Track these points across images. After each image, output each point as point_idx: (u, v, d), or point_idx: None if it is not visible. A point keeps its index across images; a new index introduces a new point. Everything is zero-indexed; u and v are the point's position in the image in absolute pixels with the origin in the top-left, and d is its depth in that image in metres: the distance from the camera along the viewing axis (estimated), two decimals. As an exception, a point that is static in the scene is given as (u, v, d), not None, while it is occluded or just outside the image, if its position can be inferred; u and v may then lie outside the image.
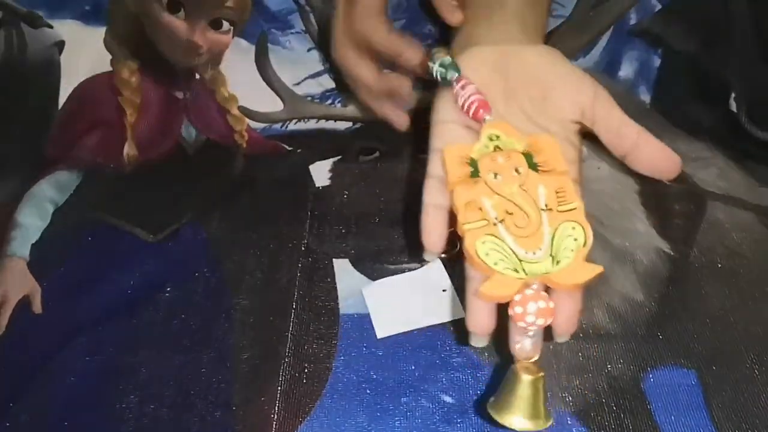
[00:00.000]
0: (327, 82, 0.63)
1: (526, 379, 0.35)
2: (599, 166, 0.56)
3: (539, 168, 0.37)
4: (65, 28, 0.64)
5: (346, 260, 0.52)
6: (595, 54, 0.64)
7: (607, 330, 0.47)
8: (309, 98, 0.63)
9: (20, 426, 0.44)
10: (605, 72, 0.64)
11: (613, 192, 0.55)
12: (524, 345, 0.35)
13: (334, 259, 0.52)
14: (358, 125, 0.63)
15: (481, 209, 0.36)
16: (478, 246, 0.35)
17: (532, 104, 0.40)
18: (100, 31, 0.63)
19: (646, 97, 0.64)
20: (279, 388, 0.44)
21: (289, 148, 0.61)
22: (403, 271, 0.51)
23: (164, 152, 0.60)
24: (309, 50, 0.63)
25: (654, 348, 0.46)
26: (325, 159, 0.59)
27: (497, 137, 0.38)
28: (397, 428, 0.42)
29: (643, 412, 0.43)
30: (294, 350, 0.46)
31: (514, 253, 0.35)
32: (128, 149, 0.59)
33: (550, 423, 0.35)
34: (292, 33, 0.63)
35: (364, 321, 0.48)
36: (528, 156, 0.37)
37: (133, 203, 0.56)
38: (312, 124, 0.63)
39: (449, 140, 0.40)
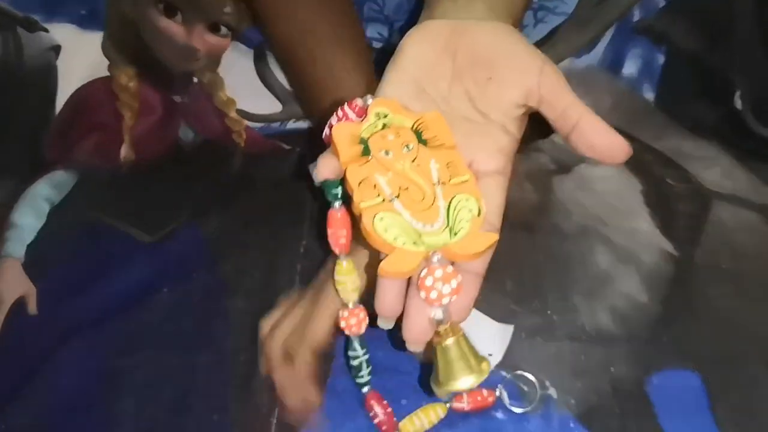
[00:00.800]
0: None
1: (450, 342, 0.36)
2: (603, 166, 0.55)
3: (429, 144, 0.38)
4: (61, 33, 0.63)
5: (346, 261, 0.52)
6: (599, 51, 0.64)
7: (610, 332, 0.47)
8: (308, 98, 0.63)
9: (16, 428, 0.44)
10: (609, 69, 0.64)
11: (616, 192, 0.54)
12: (437, 314, 0.36)
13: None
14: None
15: (375, 186, 0.36)
16: (376, 223, 0.35)
17: (477, 87, 0.39)
18: (97, 36, 0.63)
19: (650, 95, 0.63)
20: (278, 390, 0.44)
21: (288, 148, 0.61)
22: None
23: (162, 154, 0.60)
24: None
25: (658, 350, 0.46)
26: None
27: (385, 115, 0.38)
28: None
29: (647, 414, 0.43)
30: (293, 352, 0.46)
31: (412, 227, 0.35)
32: (125, 152, 0.59)
33: (489, 369, 0.37)
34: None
35: (363, 322, 0.47)
36: (417, 132, 0.38)
37: (129, 203, 0.56)
38: (311, 123, 0.62)
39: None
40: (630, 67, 0.64)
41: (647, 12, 0.64)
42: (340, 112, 0.40)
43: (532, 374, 0.44)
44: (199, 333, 0.47)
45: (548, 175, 0.56)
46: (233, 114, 0.62)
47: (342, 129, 0.38)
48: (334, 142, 0.38)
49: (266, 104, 0.62)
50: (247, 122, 0.62)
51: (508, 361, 0.45)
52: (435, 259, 0.35)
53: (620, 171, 0.54)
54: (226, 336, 0.47)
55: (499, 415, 0.43)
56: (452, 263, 0.36)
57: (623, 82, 0.64)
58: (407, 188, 0.37)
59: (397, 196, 0.36)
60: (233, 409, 0.44)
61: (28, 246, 0.53)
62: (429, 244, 0.35)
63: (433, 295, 0.35)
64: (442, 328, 0.36)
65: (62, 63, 0.63)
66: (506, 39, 0.40)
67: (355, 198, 0.36)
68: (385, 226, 0.35)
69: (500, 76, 0.39)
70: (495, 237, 0.36)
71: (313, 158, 0.38)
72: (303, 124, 0.62)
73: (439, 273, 0.35)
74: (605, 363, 0.45)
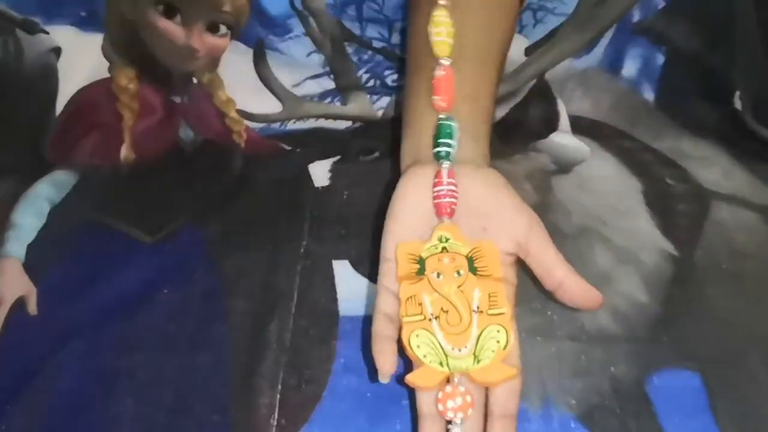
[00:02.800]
0: (327, 83, 0.63)
1: None
2: (603, 166, 0.55)
3: (478, 272, 0.40)
4: (61, 35, 0.63)
5: (346, 261, 0.52)
6: (598, 52, 0.64)
7: (610, 332, 0.47)
8: (308, 98, 0.63)
9: (16, 428, 0.44)
10: (608, 70, 0.64)
11: (617, 192, 0.55)
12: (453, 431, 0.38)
13: (333, 261, 0.52)
14: (357, 125, 0.62)
15: (420, 304, 0.40)
16: (412, 338, 0.39)
17: (473, 235, 0.42)
18: (96, 38, 0.63)
19: (649, 95, 0.63)
20: (278, 391, 0.44)
21: (288, 148, 0.61)
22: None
23: (162, 154, 0.60)
24: (308, 54, 0.63)
25: (658, 350, 0.46)
26: (324, 159, 0.59)
27: (447, 239, 0.41)
28: (397, 431, 0.42)
29: (647, 414, 0.43)
30: (293, 353, 0.46)
31: (441, 348, 0.39)
32: (125, 152, 0.59)
33: None
34: (290, 38, 0.63)
35: (364, 323, 0.47)
36: (470, 260, 0.41)
37: (130, 204, 0.56)
38: (311, 123, 0.62)
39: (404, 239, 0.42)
40: (630, 68, 0.64)
41: (647, 12, 0.64)
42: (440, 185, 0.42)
43: (532, 374, 0.44)
44: (200, 333, 0.47)
45: (548, 176, 0.56)
46: (233, 114, 0.62)
47: (405, 246, 0.41)
48: (396, 257, 0.41)
49: (266, 104, 0.62)
50: (247, 122, 0.62)
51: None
52: (456, 380, 0.38)
53: (620, 171, 0.54)
54: (226, 337, 0.47)
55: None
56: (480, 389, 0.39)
57: (623, 82, 0.64)
58: (447, 311, 0.39)
59: (437, 317, 0.39)
60: (233, 409, 0.44)
61: (29, 246, 0.53)
62: (453, 366, 0.38)
63: (450, 415, 0.37)
64: None
65: (62, 65, 0.63)
66: (498, 192, 0.43)
67: (401, 311, 0.40)
68: (419, 343, 0.39)
69: (494, 227, 0.42)
70: (513, 372, 0.39)
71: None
72: (303, 125, 0.62)
73: (458, 401, 0.38)
74: (605, 363, 0.45)
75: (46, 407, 0.44)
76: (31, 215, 0.54)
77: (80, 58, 0.63)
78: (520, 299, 0.48)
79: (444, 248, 0.41)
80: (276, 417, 0.43)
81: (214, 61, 0.62)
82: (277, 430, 0.42)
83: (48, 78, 0.62)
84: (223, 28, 0.61)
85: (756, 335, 0.46)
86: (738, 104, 0.61)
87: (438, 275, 0.40)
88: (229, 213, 0.55)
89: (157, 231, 0.54)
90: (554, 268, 0.41)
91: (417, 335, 0.39)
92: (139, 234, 0.54)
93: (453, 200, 0.41)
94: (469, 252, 0.41)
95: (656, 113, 0.63)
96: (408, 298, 0.40)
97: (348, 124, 0.62)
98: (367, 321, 0.47)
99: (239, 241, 0.53)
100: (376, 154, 0.59)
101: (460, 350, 0.39)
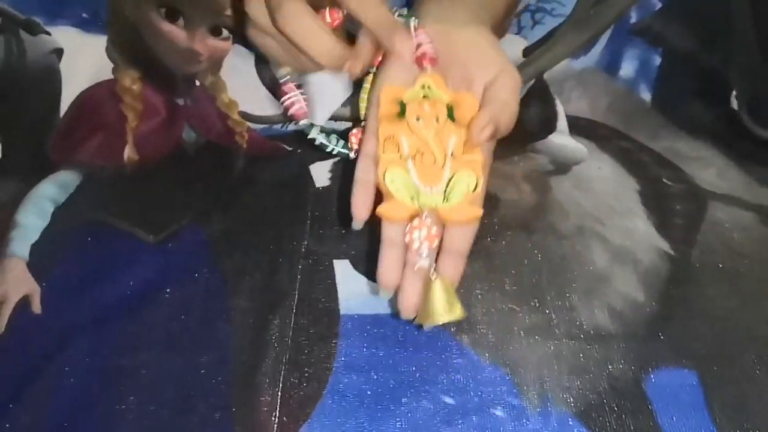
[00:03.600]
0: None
1: (436, 282, 0.40)
2: (600, 166, 0.55)
3: (456, 121, 0.43)
4: (63, 36, 0.63)
5: (347, 261, 0.52)
6: (596, 53, 0.64)
7: (608, 330, 0.47)
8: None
9: (20, 427, 0.44)
10: (606, 70, 0.64)
11: (613, 191, 0.55)
12: (422, 264, 0.41)
13: (334, 260, 0.52)
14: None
15: (398, 144, 0.42)
16: (387, 173, 0.41)
17: (454, 88, 0.44)
18: (99, 39, 0.63)
19: (646, 95, 0.64)
20: (279, 389, 0.44)
21: (290, 149, 0.61)
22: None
23: (165, 155, 0.60)
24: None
25: (655, 348, 0.46)
26: (325, 159, 0.59)
27: (429, 87, 0.44)
28: (397, 429, 0.42)
29: (644, 412, 0.43)
30: (294, 351, 0.46)
31: (414, 185, 0.41)
32: (129, 153, 0.59)
33: (464, 315, 0.41)
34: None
35: (364, 322, 0.48)
36: (450, 108, 0.43)
37: (133, 204, 0.56)
38: (312, 124, 0.62)
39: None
40: (627, 68, 0.65)
41: (644, 13, 0.65)
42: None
43: (531, 373, 0.45)
44: (202, 333, 0.48)
45: (546, 176, 0.57)
46: (236, 116, 0.62)
47: (390, 90, 0.44)
48: (378, 99, 0.44)
49: (268, 106, 0.62)
50: (249, 124, 0.62)
51: (507, 361, 0.45)
52: (424, 215, 0.41)
53: (617, 171, 0.55)
54: (228, 336, 0.47)
55: (499, 412, 0.43)
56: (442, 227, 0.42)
57: (620, 82, 0.64)
58: (423, 153, 0.42)
59: (413, 157, 0.42)
60: (235, 407, 0.44)
61: (33, 246, 0.53)
62: (422, 203, 0.41)
63: (415, 245, 0.40)
64: (430, 274, 0.41)
65: (65, 66, 0.63)
66: (484, 48, 0.45)
67: (379, 149, 0.43)
68: (392, 178, 0.41)
69: (476, 84, 0.44)
70: (478, 213, 0.42)
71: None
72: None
73: (423, 232, 0.40)
74: (603, 361, 0.45)
75: (49, 406, 0.45)
76: (35, 215, 0.55)
77: (83, 60, 0.63)
78: (520, 299, 0.48)
79: (425, 95, 0.43)
80: (277, 415, 0.43)
81: (216, 64, 0.62)
82: (278, 428, 0.43)
83: (51, 79, 0.62)
84: (225, 32, 0.61)
85: (752, 334, 0.46)
86: (734, 104, 0.61)
87: (418, 119, 0.43)
88: (232, 213, 0.55)
89: (160, 231, 0.54)
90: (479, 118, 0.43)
91: (391, 171, 0.41)
92: (142, 234, 0.54)
93: (431, 50, 0.44)
94: (450, 101, 0.43)
95: (653, 113, 0.63)
96: (387, 138, 0.43)
97: (348, 125, 0.62)
98: (368, 319, 0.48)
99: (241, 240, 0.53)
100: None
101: (431, 189, 0.41)
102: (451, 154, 0.42)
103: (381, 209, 0.41)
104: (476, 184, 0.41)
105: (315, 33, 0.42)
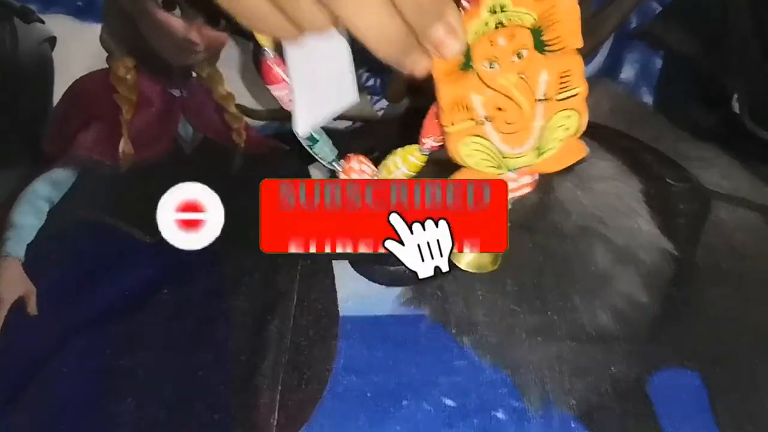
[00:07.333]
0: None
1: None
2: (603, 165, 0.55)
3: (546, 48, 0.31)
4: (57, 24, 0.63)
5: (346, 262, 0.52)
6: (598, 57, 0.64)
7: (610, 332, 0.47)
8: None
9: (17, 427, 0.44)
10: (607, 74, 0.64)
11: (617, 191, 0.55)
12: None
13: (333, 261, 0.52)
14: (357, 125, 0.62)
15: (467, 108, 0.31)
16: (461, 148, 0.32)
17: None
18: (93, 27, 0.62)
19: (648, 99, 0.64)
20: (278, 390, 0.44)
21: (288, 148, 0.61)
22: (403, 272, 0.50)
23: (161, 151, 0.59)
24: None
25: (658, 349, 0.46)
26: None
27: (502, 8, 0.31)
28: None
29: (647, 414, 0.43)
30: (293, 353, 0.46)
31: (497, 151, 0.32)
32: (124, 146, 0.58)
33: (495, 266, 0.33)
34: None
35: (364, 323, 0.48)
36: (536, 32, 0.31)
37: (130, 204, 0.56)
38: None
39: None
40: (628, 72, 0.65)
41: (644, 18, 0.65)
42: None
43: (532, 375, 0.44)
44: (200, 333, 0.47)
45: (549, 175, 0.56)
46: (232, 109, 0.61)
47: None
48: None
49: (265, 100, 0.62)
50: (247, 121, 0.61)
51: (508, 362, 0.45)
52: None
53: (620, 170, 0.54)
54: (227, 336, 0.47)
55: (500, 415, 0.43)
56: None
57: (621, 86, 0.64)
58: (504, 109, 0.31)
59: (492, 118, 0.31)
60: (234, 408, 0.44)
61: (29, 246, 0.53)
62: (511, 166, 0.32)
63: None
64: None
65: (58, 55, 0.62)
66: None
67: (443, 121, 0.32)
68: (469, 152, 0.32)
69: None
70: (582, 153, 0.32)
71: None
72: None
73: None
74: (605, 363, 0.45)
75: (46, 406, 0.44)
76: (30, 215, 0.54)
77: (76, 48, 0.62)
78: (520, 299, 0.48)
79: (498, 23, 0.31)
80: (276, 416, 0.43)
81: (213, 55, 0.62)
82: (277, 430, 0.42)
83: (44, 68, 0.62)
84: (223, 22, 0.60)
85: (756, 335, 0.46)
86: (736, 107, 0.61)
87: (491, 64, 0.31)
88: (229, 212, 0.55)
89: (158, 231, 0.54)
90: None
91: (466, 144, 0.32)
92: (139, 234, 0.53)
93: None
94: (536, 20, 0.31)
95: (655, 116, 0.63)
96: (451, 103, 0.31)
97: (348, 124, 0.62)
98: (367, 321, 0.47)
99: (240, 241, 0.53)
100: (376, 154, 0.59)
101: (521, 148, 0.32)
102: (543, 97, 0.31)
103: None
104: (577, 124, 0.32)
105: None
